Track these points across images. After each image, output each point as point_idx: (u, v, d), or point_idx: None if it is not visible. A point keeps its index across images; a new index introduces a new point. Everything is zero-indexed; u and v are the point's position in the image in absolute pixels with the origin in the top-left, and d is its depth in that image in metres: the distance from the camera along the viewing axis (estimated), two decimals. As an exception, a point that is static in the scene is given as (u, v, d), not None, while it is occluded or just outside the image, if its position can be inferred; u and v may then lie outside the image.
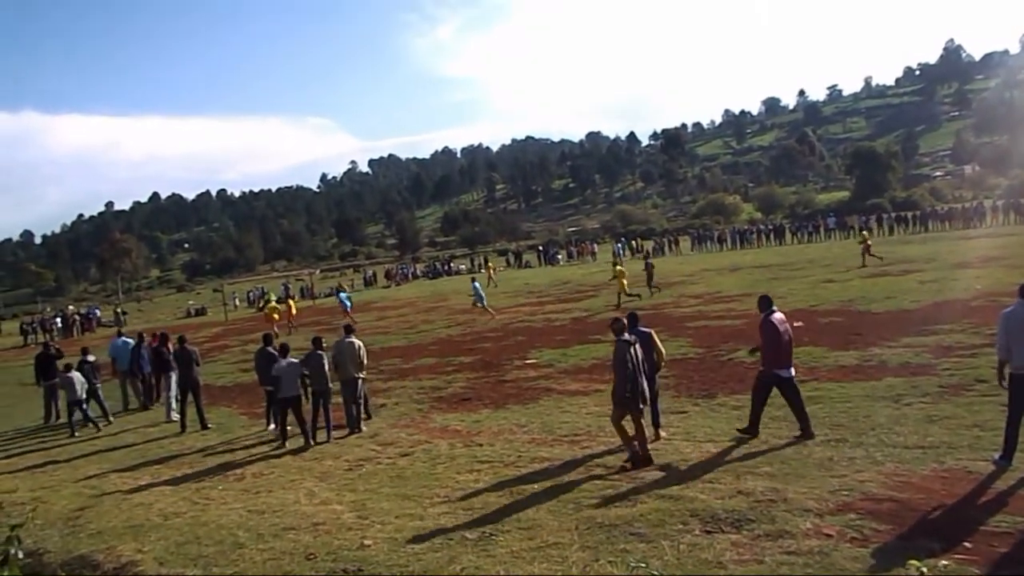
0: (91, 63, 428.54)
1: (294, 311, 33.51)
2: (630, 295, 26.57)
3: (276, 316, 29.35)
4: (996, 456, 7.39)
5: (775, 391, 9.29)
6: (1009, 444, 7.35)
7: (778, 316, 9.45)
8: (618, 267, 28.38)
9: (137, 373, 16.87)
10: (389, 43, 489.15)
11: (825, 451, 8.31)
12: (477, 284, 28.50)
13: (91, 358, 15.90)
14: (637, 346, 9.03)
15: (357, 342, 12.57)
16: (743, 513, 6.76)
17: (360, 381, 12.43)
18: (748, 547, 6.09)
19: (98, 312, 59.16)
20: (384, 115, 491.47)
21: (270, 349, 12.93)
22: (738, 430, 9.48)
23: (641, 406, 8.85)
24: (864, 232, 36.98)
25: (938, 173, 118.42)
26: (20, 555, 2.80)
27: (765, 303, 9.61)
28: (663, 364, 10.05)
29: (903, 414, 9.35)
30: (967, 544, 5.76)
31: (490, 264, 55.23)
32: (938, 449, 7.96)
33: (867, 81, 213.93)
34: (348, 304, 32.56)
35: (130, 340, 17.89)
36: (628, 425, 8.85)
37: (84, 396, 14.65)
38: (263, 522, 8.14)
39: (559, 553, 6.36)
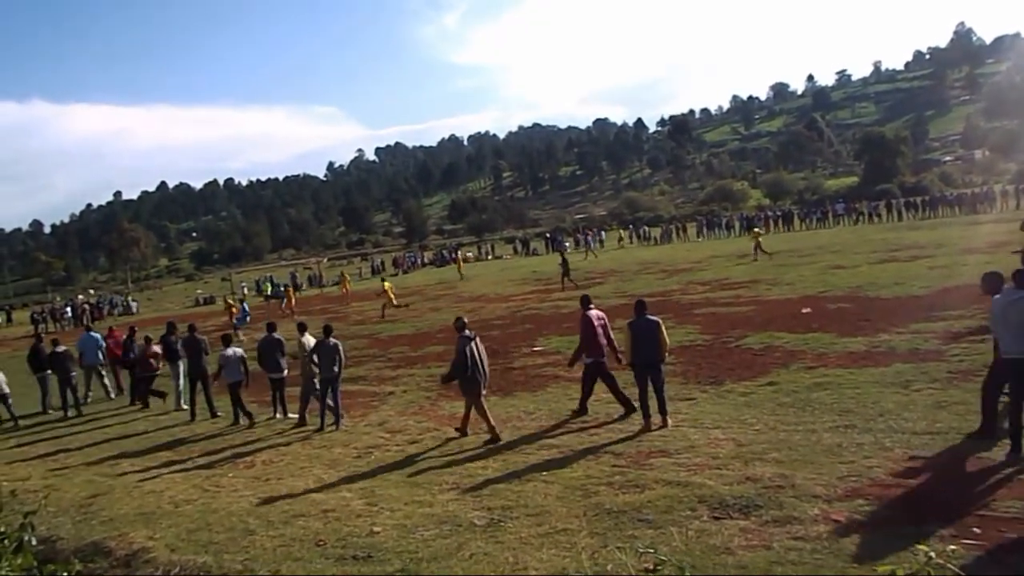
0: (99, 52, 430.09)
1: (293, 301, 33.99)
2: (396, 306, 28.46)
3: (235, 310, 30.24)
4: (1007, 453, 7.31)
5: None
6: (1015, 438, 7.25)
7: (595, 312, 10.85)
8: (386, 282, 30.63)
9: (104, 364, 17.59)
10: (395, 31, 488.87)
11: (834, 437, 8.30)
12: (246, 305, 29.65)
13: (60, 348, 16.32)
14: (477, 340, 10.48)
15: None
16: (751, 499, 6.77)
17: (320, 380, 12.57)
18: (756, 533, 6.11)
19: (129, 301, 59.56)
20: (390, 103, 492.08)
21: (276, 336, 13.15)
22: (572, 411, 10.85)
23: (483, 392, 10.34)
24: (756, 229, 39.82)
25: (948, 158, 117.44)
26: (33, 542, 2.83)
27: (584, 301, 11.15)
28: (666, 354, 10.03)
29: (912, 400, 9.33)
30: (976, 529, 5.76)
31: (459, 256, 55.15)
32: (947, 435, 7.95)
33: (876, 66, 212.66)
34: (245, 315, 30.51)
35: (97, 334, 18.33)
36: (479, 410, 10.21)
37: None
38: (273, 509, 8.19)
39: (568, 539, 6.39)
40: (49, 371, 16.53)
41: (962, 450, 7.51)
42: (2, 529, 2.96)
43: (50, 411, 16.47)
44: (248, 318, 29.32)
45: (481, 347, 10.48)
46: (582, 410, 10.78)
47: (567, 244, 67.45)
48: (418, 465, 9.32)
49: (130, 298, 62.11)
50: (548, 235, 78.27)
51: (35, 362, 16.85)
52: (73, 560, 2.96)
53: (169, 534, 7.76)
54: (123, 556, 7.39)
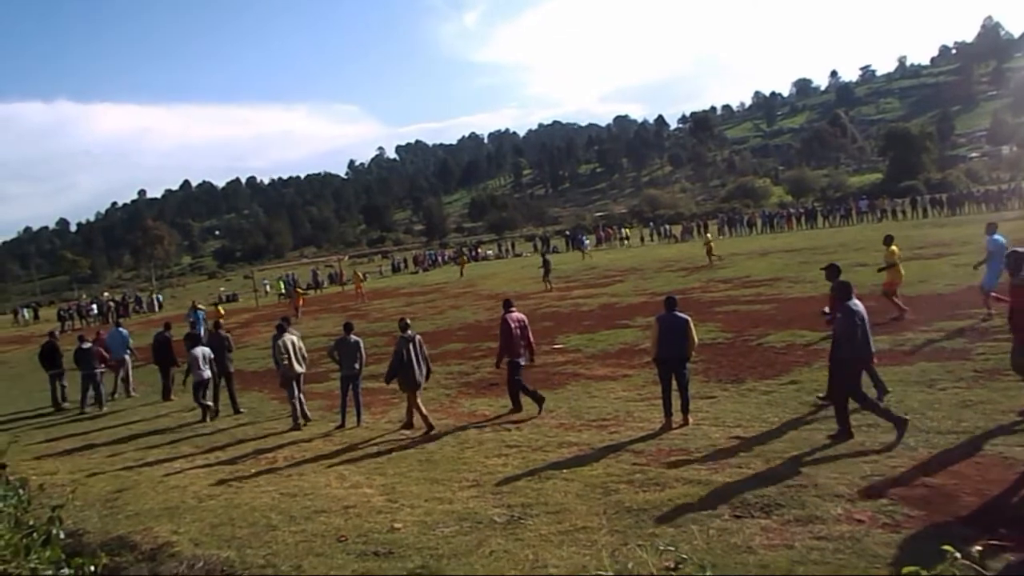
0: (124, 52, 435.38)
1: (301, 301, 34.40)
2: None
3: (222, 311, 30.10)
4: None
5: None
6: None
7: (515, 315, 11.55)
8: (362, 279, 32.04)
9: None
10: (416, 30, 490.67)
11: (857, 436, 8.23)
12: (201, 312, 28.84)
13: (86, 345, 16.58)
14: (417, 340, 11.46)
15: (295, 339, 12.90)
16: (773, 498, 6.73)
17: (302, 377, 12.81)
18: (778, 532, 6.07)
19: (154, 297, 60.26)
20: (411, 101, 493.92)
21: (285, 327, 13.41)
22: (511, 409, 11.52)
23: (418, 389, 11.31)
24: (708, 234, 40.85)
25: (974, 154, 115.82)
26: (61, 535, 2.88)
27: (506, 304, 11.90)
28: (693, 352, 9.99)
29: (936, 399, 9.22)
30: (1002, 530, 5.69)
31: (462, 258, 55.20)
32: (972, 434, 7.85)
33: (901, 61, 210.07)
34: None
35: (125, 331, 18.61)
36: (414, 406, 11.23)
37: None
38: (295, 505, 8.26)
39: (587, 537, 6.38)
40: (63, 369, 16.99)
41: (988, 450, 7.41)
42: (31, 523, 3.01)
43: (65, 404, 16.85)
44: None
45: (421, 347, 11.42)
46: (517, 407, 11.54)
47: (587, 242, 67.37)
48: (438, 462, 9.35)
49: (155, 295, 62.80)
50: (568, 233, 78.17)
51: (47, 360, 17.23)
52: (100, 553, 3.00)
53: (193, 529, 7.84)
54: (148, 550, 7.48)
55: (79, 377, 16.45)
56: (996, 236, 14.16)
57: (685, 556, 2.34)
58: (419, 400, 11.25)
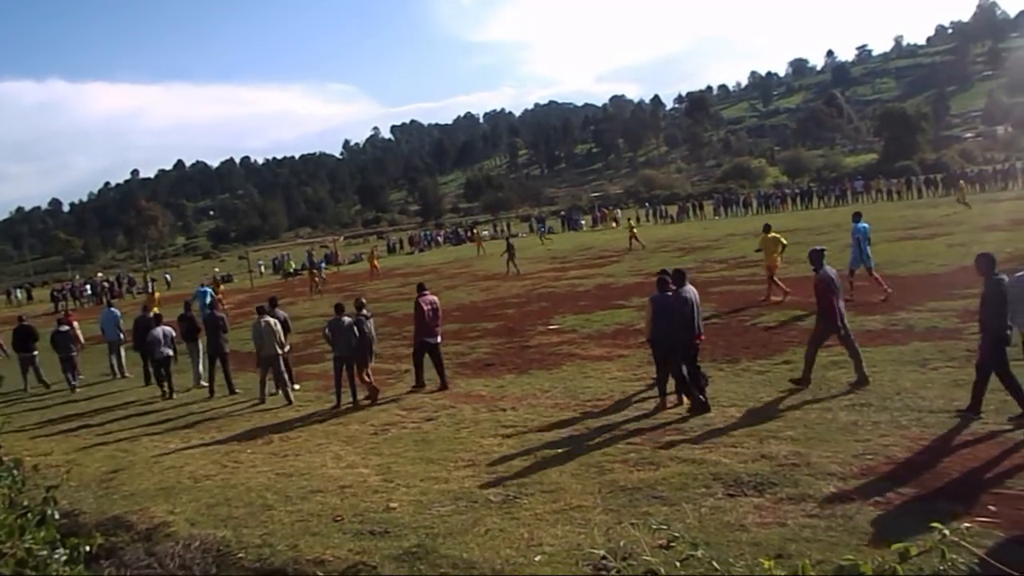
0: (117, 31, 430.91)
1: (315, 279, 34.72)
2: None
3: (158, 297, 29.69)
4: None
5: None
6: None
7: (427, 298, 12.36)
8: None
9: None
10: (412, 8, 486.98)
11: (849, 415, 8.28)
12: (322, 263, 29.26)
13: (64, 328, 16.91)
14: (370, 322, 12.44)
15: (273, 320, 13.14)
16: (766, 477, 6.78)
17: (279, 358, 12.98)
18: (771, 510, 6.12)
19: (149, 279, 59.82)
20: (406, 81, 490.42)
21: (279, 312, 13.86)
22: (412, 387, 12.43)
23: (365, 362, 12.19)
24: (631, 220, 42.08)
25: (969, 134, 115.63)
26: (56, 515, 2.87)
27: (419, 288, 12.64)
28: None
29: (929, 378, 9.28)
30: (991, 507, 5.74)
31: (477, 231, 55.30)
32: (964, 413, 7.89)
33: (897, 41, 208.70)
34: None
35: (117, 311, 18.71)
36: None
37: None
38: (291, 485, 8.29)
39: (582, 516, 6.43)
40: (36, 352, 17.36)
41: (978, 429, 7.47)
42: (26, 503, 3.01)
43: (30, 389, 17.28)
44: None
45: (352, 328, 11.94)
46: (419, 383, 12.48)
47: (582, 222, 67.34)
48: (434, 442, 9.38)
49: (149, 276, 62.57)
50: (563, 213, 78.10)
51: (20, 343, 17.47)
52: (95, 533, 3.02)
53: (189, 509, 7.88)
54: (144, 530, 7.51)
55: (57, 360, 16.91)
56: (860, 224, 15.87)
57: (678, 534, 2.35)
58: (343, 376, 12.04)
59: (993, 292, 7.71)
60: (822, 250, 10.28)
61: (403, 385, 12.97)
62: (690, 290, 9.69)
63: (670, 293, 9.81)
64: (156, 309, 24.96)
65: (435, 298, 12.71)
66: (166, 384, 14.68)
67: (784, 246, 16.96)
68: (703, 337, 10.07)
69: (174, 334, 14.97)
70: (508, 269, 30.34)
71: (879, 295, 14.95)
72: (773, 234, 16.90)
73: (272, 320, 13.13)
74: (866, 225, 15.95)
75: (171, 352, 14.66)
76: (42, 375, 17.46)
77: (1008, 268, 8.40)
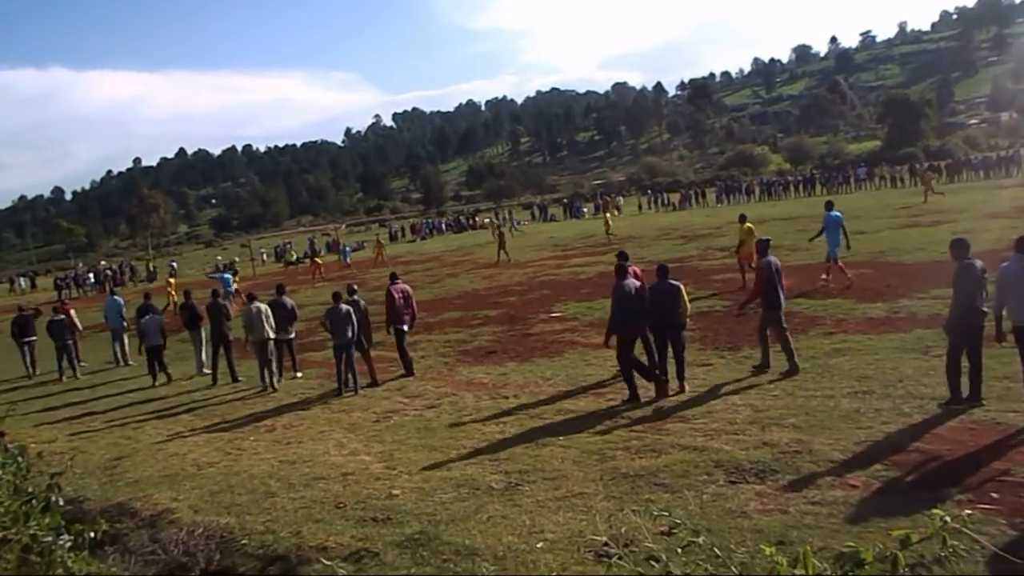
0: (119, 18, 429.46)
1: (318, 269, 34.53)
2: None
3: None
4: None
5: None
6: None
7: (399, 287, 12.77)
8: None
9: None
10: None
11: (852, 403, 8.29)
12: (227, 276, 28.36)
13: (59, 317, 17.05)
14: (362, 305, 12.80)
15: (264, 306, 13.48)
16: (768, 464, 6.79)
17: (271, 342, 13.26)
18: (772, 497, 6.13)
19: (151, 266, 59.97)
20: (408, 68, 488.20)
21: (286, 299, 14.01)
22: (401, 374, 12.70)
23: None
24: (607, 214, 41.70)
25: (973, 121, 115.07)
26: (61, 502, 2.89)
27: (391, 276, 13.14)
28: (687, 319, 10.06)
29: (931, 366, 9.26)
30: (993, 494, 5.75)
31: (491, 220, 55.77)
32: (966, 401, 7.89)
33: (901, 26, 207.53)
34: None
35: (120, 299, 18.95)
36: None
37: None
38: (294, 472, 8.32)
39: (584, 503, 6.45)
40: (34, 338, 17.72)
41: (980, 416, 7.47)
42: (30, 490, 3.02)
43: (32, 378, 17.51)
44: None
45: (351, 316, 12.08)
46: (408, 370, 12.81)
47: (584, 210, 67.19)
48: (436, 429, 9.41)
49: (152, 264, 62.67)
50: (566, 201, 77.94)
51: (19, 331, 17.82)
52: (99, 520, 3.03)
53: (192, 496, 7.91)
54: (148, 516, 7.55)
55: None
56: (833, 212, 16.36)
57: (680, 521, 2.36)
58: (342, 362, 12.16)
59: (961, 275, 7.95)
60: (768, 240, 11.12)
61: (403, 373, 12.98)
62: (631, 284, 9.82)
63: (670, 280, 9.85)
64: (173, 296, 25.24)
65: (407, 287, 13.25)
66: (159, 370, 15.07)
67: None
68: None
69: (163, 322, 15.55)
70: (499, 257, 30.50)
71: (843, 283, 15.44)
72: (748, 225, 17.46)
73: (263, 306, 13.40)
74: (839, 213, 16.50)
75: (162, 340, 15.13)
76: (33, 364, 17.78)
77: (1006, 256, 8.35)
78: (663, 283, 9.83)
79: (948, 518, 2.06)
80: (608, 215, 40.20)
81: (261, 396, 12.78)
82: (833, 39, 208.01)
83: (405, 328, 12.86)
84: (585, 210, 67.55)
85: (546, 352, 13.21)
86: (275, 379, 13.20)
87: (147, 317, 15.24)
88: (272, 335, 13.20)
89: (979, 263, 7.99)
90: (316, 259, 39.05)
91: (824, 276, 16.06)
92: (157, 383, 14.87)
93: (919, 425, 7.38)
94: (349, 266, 39.46)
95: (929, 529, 2.07)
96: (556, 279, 23.26)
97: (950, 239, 8.50)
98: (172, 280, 30.26)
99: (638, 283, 9.88)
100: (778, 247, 23.42)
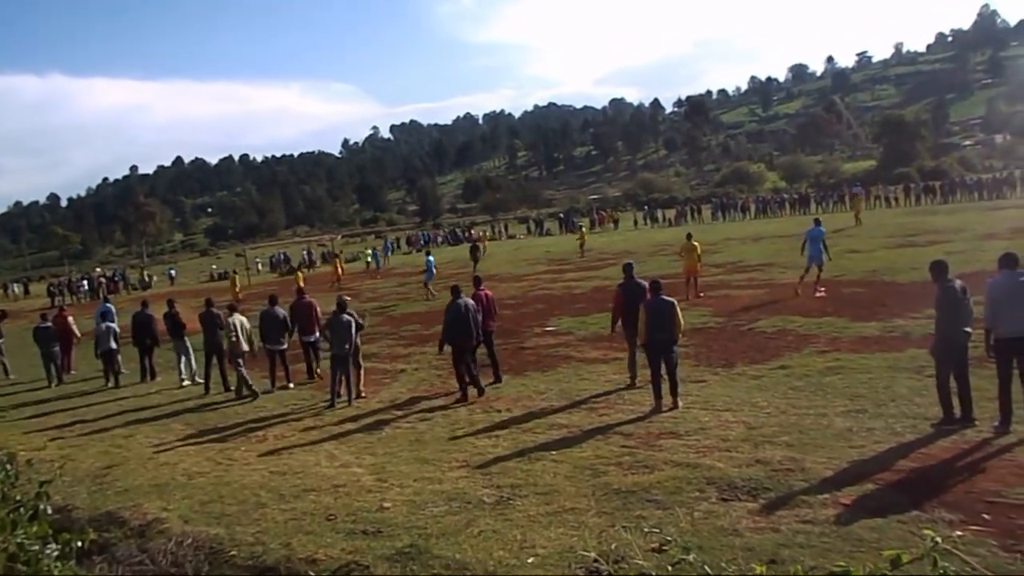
0: (119, 26, 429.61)
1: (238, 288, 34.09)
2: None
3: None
4: (995, 424, 7.63)
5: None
6: (1004, 411, 7.60)
7: (482, 292, 12.85)
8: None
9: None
10: (413, 9, 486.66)
11: (845, 422, 8.29)
12: (431, 259, 27.71)
13: (45, 324, 17.26)
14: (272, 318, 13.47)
15: (242, 318, 13.76)
16: (760, 482, 6.78)
17: (246, 355, 13.53)
18: (764, 515, 6.12)
19: (145, 275, 59.85)
20: (406, 81, 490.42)
21: (278, 310, 14.05)
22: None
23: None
24: (582, 227, 44.07)
25: (968, 142, 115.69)
26: (49, 510, 2.87)
27: (475, 282, 13.41)
28: (680, 335, 10.05)
29: (924, 386, 9.26)
30: (985, 515, 5.75)
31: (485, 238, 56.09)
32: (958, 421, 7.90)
33: (897, 48, 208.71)
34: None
35: (112, 306, 18.91)
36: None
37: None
38: (284, 483, 8.28)
39: (575, 518, 6.42)
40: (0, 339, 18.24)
41: (972, 437, 7.48)
42: (18, 498, 3.00)
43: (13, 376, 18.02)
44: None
45: (351, 326, 12.13)
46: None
47: (580, 224, 67.23)
48: (428, 442, 9.38)
49: (146, 272, 62.52)
50: (562, 215, 78.06)
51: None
52: (88, 529, 3.01)
53: (182, 505, 7.86)
54: (137, 526, 7.50)
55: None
56: (820, 228, 18.15)
57: (671, 538, 2.36)
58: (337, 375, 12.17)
59: (942, 298, 8.01)
60: (630, 264, 12.14)
61: (398, 385, 12.95)
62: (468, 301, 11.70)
63: (663, 296, 9.87)
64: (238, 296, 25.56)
65: (489, 292, 13.28)
66: (112, 375, 16.03)
67: (700, 255, 19.39)
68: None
69: (117, 330, 16.42)
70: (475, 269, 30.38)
71: (817, 293, 16.87)
72: (694, 242, 19.08)
73: (242, 319, 13.65)
74: (823, 229, 18.23)
75: (115, 346, 16.04)
76: (4, 367, 18.21)
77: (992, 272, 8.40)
78: (657, 299, 9.85)
79: (939, 539, 2.06)
80: (583, 230, 41.78)
81: (254, 406, 12.72)
82: (830, 59, 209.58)
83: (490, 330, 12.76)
84: (581, 225, 67.61)
85: (540, 366, 13.20)
86: (244, 385, 13.39)
87: (103, 326, 16.12)
88: (246, 348, 13.41)
89: (959, 283, 8.07)
90: (337, 260, 38.99)
91: (820, 288, 17.14)
92: (109, 384, 15.88)
93: (911, 444, 7.39)
94: (378, 272, 39.79)
95: (920, 550, 2.06)
96: (551, 293, 23.29)
97: (928, 263, 8.54)
98: (236, 278, 33.50)
99: (472, 302, 11.68)
100: (772, 264, 23.61)
